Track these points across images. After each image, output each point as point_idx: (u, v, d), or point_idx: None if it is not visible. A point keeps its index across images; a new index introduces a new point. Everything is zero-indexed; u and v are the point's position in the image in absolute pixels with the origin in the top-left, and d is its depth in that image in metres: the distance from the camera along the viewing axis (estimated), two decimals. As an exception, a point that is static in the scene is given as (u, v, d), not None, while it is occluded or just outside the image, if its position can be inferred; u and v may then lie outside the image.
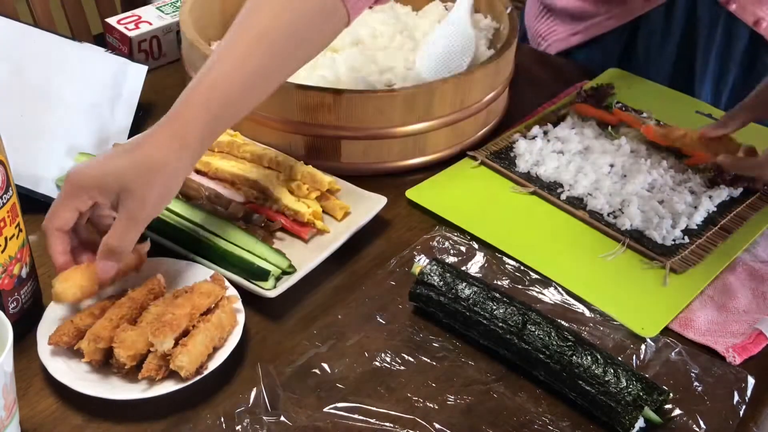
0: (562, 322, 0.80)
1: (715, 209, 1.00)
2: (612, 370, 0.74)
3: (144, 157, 0.74)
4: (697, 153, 1.03)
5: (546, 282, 0.89)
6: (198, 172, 0.97)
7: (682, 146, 1.05)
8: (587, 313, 0.86)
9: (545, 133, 1.10)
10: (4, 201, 0.71)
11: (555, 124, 1.12)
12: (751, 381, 0.79)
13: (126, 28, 1.19)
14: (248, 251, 0.86)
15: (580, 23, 1.24)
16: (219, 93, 0.77)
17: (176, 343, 0.73)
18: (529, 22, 1.36)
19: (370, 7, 1.27)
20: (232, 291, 0.81)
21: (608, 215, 0.98)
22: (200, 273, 0.83)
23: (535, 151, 1.06)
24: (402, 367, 0.79)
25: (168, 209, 0.89)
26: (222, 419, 0.73)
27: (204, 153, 0.80)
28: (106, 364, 0.75)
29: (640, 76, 1.26)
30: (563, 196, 1.01)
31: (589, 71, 1.27)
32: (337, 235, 0.92)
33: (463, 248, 0.93)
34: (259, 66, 0.80)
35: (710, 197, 1.00)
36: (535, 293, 0.88)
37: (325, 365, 0.78)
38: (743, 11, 1.15)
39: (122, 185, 0.73)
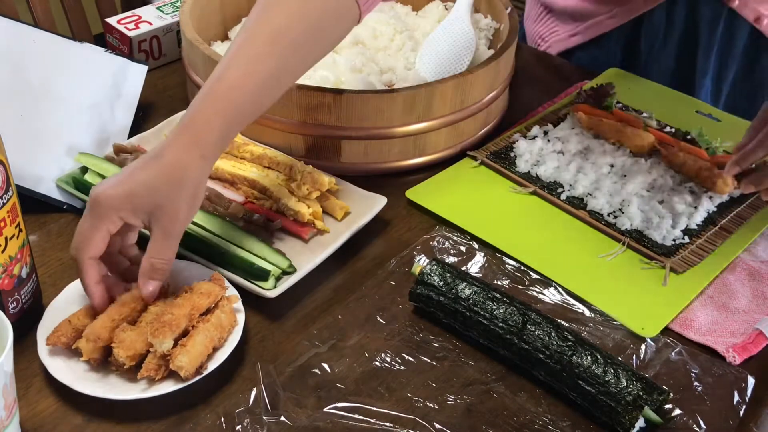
0: (562, 322, 0.80)
1: (715, 209, 1.00)
2: (612, 370, 0.74)
3: (170, 168, 0.72)
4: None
5: (546, 282, 0.89)
6: (198, 172, 0.97)
7: (687, 173, 1.04)
8: (587, 313, 0.86)
9: (545, 133, 1.10)
10: (4, 201, 0.71)
11: (555, 124, 1.12)
12: (751, 381, 0.79)
13: (126, 28, 1.19)
14: (248, 251, 0.86)
15: (581, 23, 1.24)
16: (233, 100, 0.76)
17: (176, 343, 0.73)
18: (529, 25, 1.36)
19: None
20: (232, 291, 0.81)
21: (608, 215, 0.98)
22: (200, 273, 0.83)
23: (535, 151, 1.06)
24: (402, 367, 0.79)
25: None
26: (222, 419, 0.73)
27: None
28: (105, 362, 0.76)
29: (642, 76, 1.25)
30: (563, 196, 1.01)
31: (588, 71, 1.27)
32: (337, 235, 0.92)
33: (463, 248, 0.93)
34: (274, 68, 0.78)
35: (710, 197, 1.00)
36: (535, 293, 0.88)
37: (325, 365, 0.78)
38: (744, 8, 1.15)
39: (154, 202, 0.72)
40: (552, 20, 1.29)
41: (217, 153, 0.76)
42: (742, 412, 0.76)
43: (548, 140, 1.08)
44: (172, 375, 0.74)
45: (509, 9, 1.16)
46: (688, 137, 1.08)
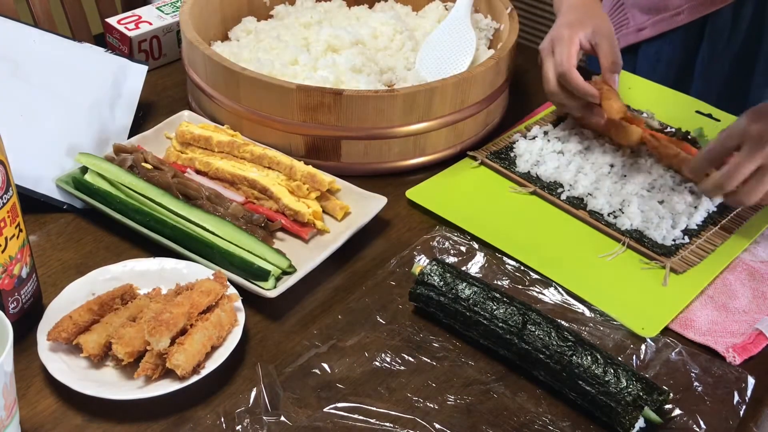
0: (562, 322, 0.80)
1: (715, 209, 1.00)
2: (612, 370, 0.74)
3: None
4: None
5: (546, 282, 0.89)
6: (198, 172, 0.98)
7: (673, 166, 1.04)
8: (587, 313, 0.86)
9: (545, 133, 1.10)
10: (4, 201, 0.71)
11: (555, 124, 1.12)
12: (751, 381, 0.79)
13: (126, 28, 1.19)
14: (248, 251, 0.86)
15: (650, 18, 1.25)
16: None
17: (174, 342, 0.73)
18: None
19: (370, 7, 1.28)
20: (232, 290, 0.81)
21: (608, 215, 0.98)
22: (200, 273, 0.83)
23: (535, 151, 1.06)
24: (402, 367, 0.79)
25: (168, 209, 0.89)
26: (222, 419, 0.73)
27: None
28: (105, 360, 0.76)
29: (702, 74, 1.25)
30: (563, 196, 1.01)
31: (588, 71, 1.27)
32: (337, 235, 0.92)
33: (463, 248, 0.93)
34: None
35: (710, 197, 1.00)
36: (535, 293, 0.88)
37: (325, 365, 0.78)
38: None
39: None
40: (625, 12, 1.30)
41: None
42: (742, 412, 0.76)
43: (548, 140, 1.08)
44: (172, 374, 0.74)
45: (509, 9, 1.16)
46: (689, 137, 1.08)
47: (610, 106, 1.01)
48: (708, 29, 1.22)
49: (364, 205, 0.95)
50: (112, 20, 1.21)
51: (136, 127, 1.06)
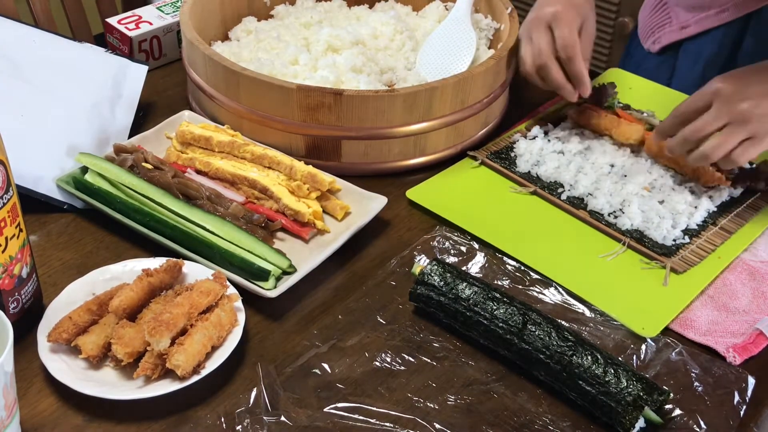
0: (563, 322, 0.80)
1: (715, 209, 1.00)
2: (612, 371, 0.74)
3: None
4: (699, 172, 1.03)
5: (546, 282, 0.89)
6: (198, 172, 0.98)
7: (675, 165, 1.04)
8: (587, 313, 0.86)
9: (545, 133, 1.10)
10: (5, 201, 0.71)
11: (555, 124, 1.12)
12: (751, 381, 0.79)
13: (126, 28, 1.19)
14: (248, 251, 0.86)
15: (694, 16, 1.25)
16: None
17: (174, 342, 0.73)
18: (643, 16, 1.36)
19: (370, 7, 1.28)
20: (232, 290, 0.81)
21: (608, 215, 0.98)
22: (200, 273, 0.83)
23: (535, 151, 1.06)
24: (402, 367, 0.79)
25: (168, 209, 0.89)
26: (222, 419, 0.73)
27: None
28: (105, 357, 0.76)
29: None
30: (563, 196, 1.01)
31: (589, 72, 1.26)
32: (337, 235, 0.92)
33: (463, 248, 0.93)
34: None
35: (710, 197, 1.00)
36: (535, 293, 0.88)
37: (325, 365, 0.78)
38: None
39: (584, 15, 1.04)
40: (668, 11, 1.29)
41: None
42: (742, 413, 0.76)
43: (548, 140, 1.08)
44: (172, 374, 0.74)
45: (509, 9, 1.16)
46: None
47: (627, 131, 1.05)
48: (751, 27, 1.21)
49: (365, 205, 0.95)
50: (112, 20, 1.21)
51: (137, 127, 1.06)
